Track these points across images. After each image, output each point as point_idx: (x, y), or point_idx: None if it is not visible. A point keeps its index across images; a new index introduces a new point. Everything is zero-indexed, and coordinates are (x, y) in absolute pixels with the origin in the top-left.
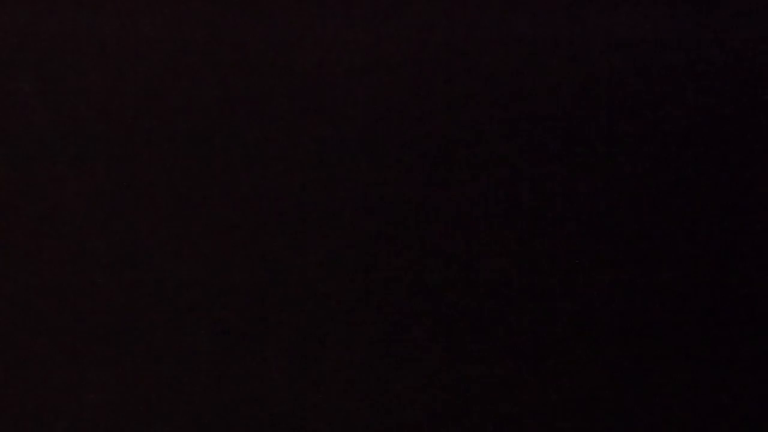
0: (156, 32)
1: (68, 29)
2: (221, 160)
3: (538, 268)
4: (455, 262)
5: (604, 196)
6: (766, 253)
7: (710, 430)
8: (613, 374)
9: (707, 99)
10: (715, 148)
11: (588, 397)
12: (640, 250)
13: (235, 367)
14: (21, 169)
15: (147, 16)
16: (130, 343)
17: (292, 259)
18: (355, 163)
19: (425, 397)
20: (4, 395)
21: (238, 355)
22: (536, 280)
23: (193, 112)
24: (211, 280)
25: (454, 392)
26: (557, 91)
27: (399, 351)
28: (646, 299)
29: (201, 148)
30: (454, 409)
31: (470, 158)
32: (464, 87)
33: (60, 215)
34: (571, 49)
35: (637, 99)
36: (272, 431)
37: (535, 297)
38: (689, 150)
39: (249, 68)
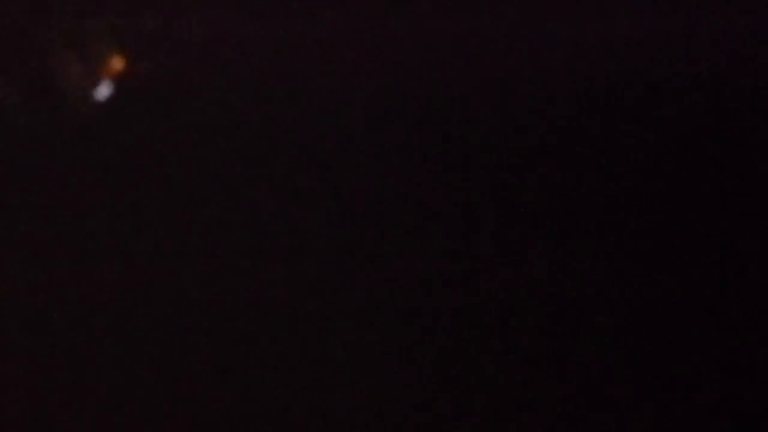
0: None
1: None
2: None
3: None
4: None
5: (604, 196)
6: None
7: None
8: (613, 374)
9: (707, 99)
10: (715, 148)
11: (589, 397)
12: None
13: (235, 368)
14: (21, 170)
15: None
16: (130, 344)
17: (294, 260)
18: (355, 163)
19: (425, 398)
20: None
21: (238, 356)
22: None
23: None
24: (211, 282)
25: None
26: (557, 91)
27: (399, 350)
28: (645, 299)
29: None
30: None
31: (469, 158)
32: (464, 87)
33: (60, 216)
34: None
35: (637, 99)
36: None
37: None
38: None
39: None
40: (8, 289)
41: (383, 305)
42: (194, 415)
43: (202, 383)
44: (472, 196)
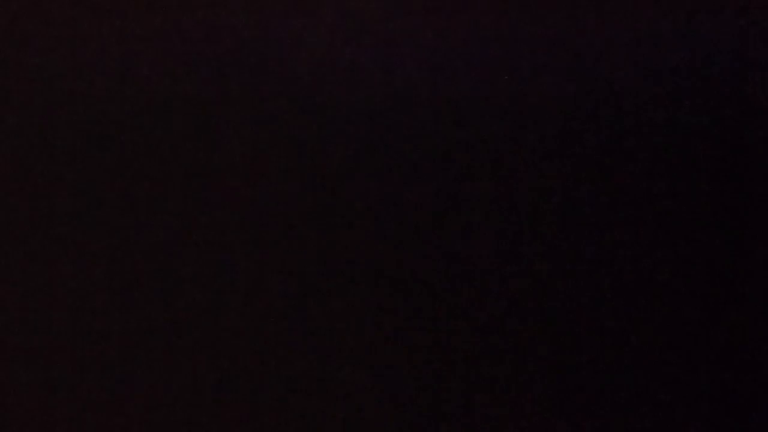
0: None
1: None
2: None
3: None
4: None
5: (605, 196)
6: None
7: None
8: (612, 374)
9: (706, 99)
10: (715, 148)
11: (587, 397)
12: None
13: (234, 366)
14: (22, 169)
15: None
16: (130, 343)
17: (293, 259)
18: (354, 164)
19: (425, 397)
20: (4, 395)
21: (238, 354)
22: (535, 280)
23: (192, 113)
24: (211, 282)
25: (453, 391)
26: (557, 91)
27: (399, 351)
28: (645, 300)
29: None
30: (453, 409)
31: (470, 158)
32: (463, 87)
33: (60, 216)
34: (572, 49)
35: (638, 99)
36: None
37: (534, 297)
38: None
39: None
40: (8, 289)
41: (382, 305)
42: (193, 415)
43: (202, 384)
44: (473, 197)
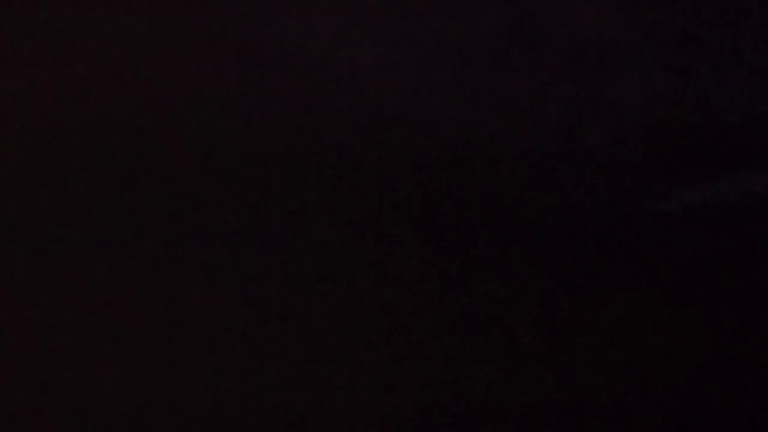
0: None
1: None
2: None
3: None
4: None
5: (604, 194)
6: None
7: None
8: (612, 374)
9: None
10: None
11: (587, 397)
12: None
13: (234, 366)
14: (22, 168)
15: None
16: (130, 343)
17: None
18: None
19: (425, 397)
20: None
21: (238, 354)
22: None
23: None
24: (211, 281)
25: (454, 392)
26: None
27: (399, 351)
28: (644, 301)
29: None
30: (455, 408)
31: (469, 158)
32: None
33: (59, 214)
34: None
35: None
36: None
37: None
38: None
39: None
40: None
41: (382, 306)
42: (192, 414)
43: (201, 387)
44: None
